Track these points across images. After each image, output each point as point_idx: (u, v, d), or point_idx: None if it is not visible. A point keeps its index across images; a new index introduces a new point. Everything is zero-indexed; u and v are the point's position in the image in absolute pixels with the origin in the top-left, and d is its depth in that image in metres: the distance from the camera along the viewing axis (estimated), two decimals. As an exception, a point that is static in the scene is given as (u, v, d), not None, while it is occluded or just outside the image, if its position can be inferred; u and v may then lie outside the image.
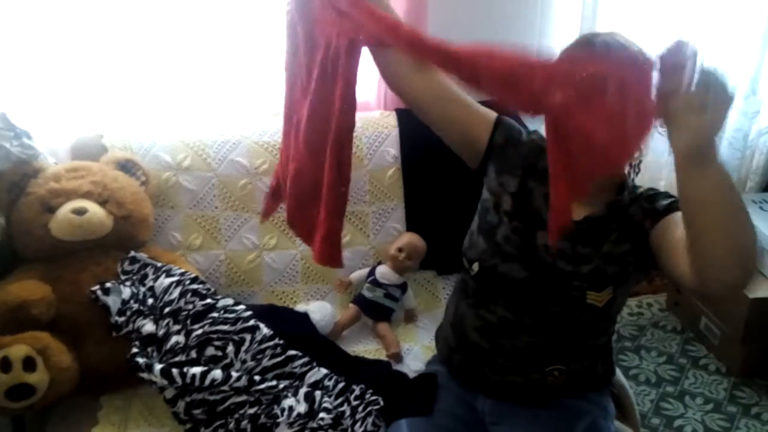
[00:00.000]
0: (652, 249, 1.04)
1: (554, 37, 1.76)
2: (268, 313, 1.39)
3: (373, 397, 1.22)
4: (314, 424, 1.17)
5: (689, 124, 0.79)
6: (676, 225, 0.97)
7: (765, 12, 1.87)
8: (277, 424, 1.18)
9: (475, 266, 1.14)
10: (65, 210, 1.26)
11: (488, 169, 1.17)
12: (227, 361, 1.24)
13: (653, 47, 0.84)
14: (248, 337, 1.27)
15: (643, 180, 1.15)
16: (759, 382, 1.93)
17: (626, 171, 1.12)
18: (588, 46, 1.01)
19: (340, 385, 1.26)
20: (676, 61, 0.79)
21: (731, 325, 1.94)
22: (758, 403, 1.86)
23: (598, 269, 1.07)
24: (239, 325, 1.27)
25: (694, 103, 0.78)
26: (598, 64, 0.88)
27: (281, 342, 1.29)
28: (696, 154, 0.81)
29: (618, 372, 1.37)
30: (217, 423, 1.19)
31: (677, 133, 0.81)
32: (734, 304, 1.89)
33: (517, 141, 1.16)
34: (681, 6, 1.82)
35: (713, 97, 0.77)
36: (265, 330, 1.29)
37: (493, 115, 1.17)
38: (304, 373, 1.28)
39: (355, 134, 1.55)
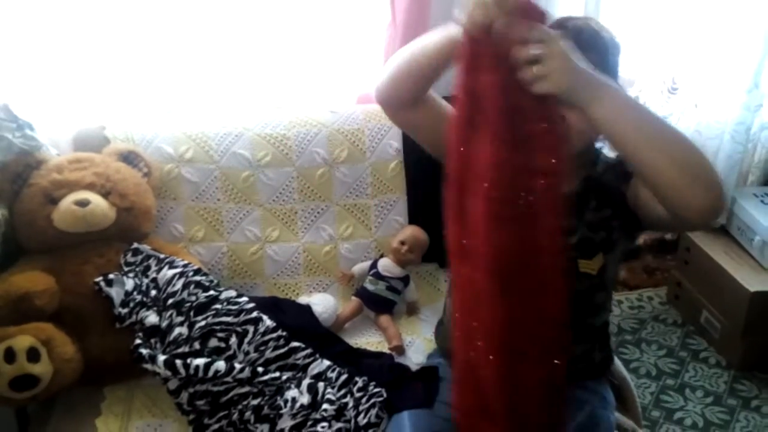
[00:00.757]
0: (632, 209, 1.07)
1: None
2: (270, 305, 1.39)
3: (376, 389, 1.23)
4: (317, 415, 1.18)
5: (544, 73, 0.79)
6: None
7: (763, 25, 1.87)
8: (281, 415, 1.18)
9: None
10: (68, 201, 1.26)
11: None
12: (230, 352, 1.24)
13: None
14: (251, 328, 1.27)
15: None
16: (759, 376, 1.94)
17: (598, 145, 1.15)
18: (561, 30, 1.02)
19: (343, 376, 1.27)
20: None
21: (731, 319, 1.94)
22: (758, 396, 1.87)
23: (585, 238, 1.11)
24: (242, 317, 1.28)
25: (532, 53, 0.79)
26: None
27: (284, 334, 1.30)
28: (572, 94, 0.82)
29: (619, 364, 1.38)
30: (221, 414, 1.20)
31: (545, 85, 0.80)
32: (735, 297, 1.90)
33: None
34: (677, 19, 1.81)
35: (540, 39, 0.79)
36: (268, 322, 1.29)
37: None
38: (307, 365, 1.29)
39: (357, 127, 1.59)
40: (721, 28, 1.86)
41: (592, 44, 1.03)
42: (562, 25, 1.04)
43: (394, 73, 1.08)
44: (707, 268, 2.02)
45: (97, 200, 1.28)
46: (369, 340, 1.46)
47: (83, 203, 1.26)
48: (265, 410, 1.20)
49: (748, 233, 1.98)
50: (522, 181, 0.86)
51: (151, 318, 1.24)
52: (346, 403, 1.21)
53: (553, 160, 0.84)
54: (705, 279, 2.05)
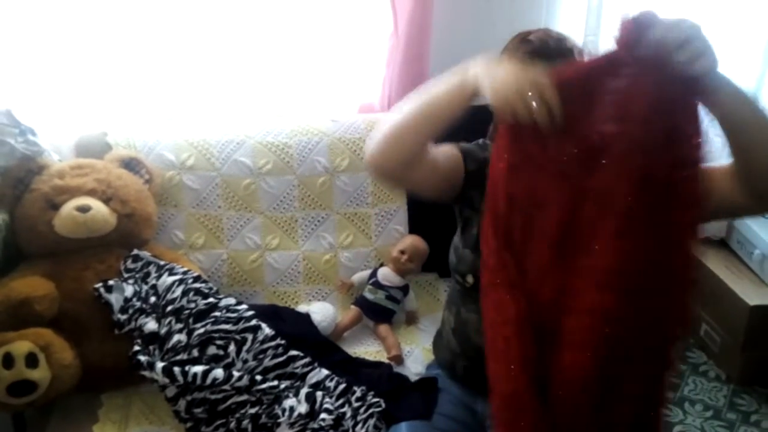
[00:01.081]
0: None
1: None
2: (270, 313, 1.39)
3: (375, 400, 1.23)
4: (315, 425, 1.17)
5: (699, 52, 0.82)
6: None
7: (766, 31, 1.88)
8: (278, 424, 1.18)
9: (470, 278, 1.15)
10: (69, 207, 1.27)
11: (470, 195, 1.15)
12: (229, 360, 1.24)
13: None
14: (250, 336, 1.27)
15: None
16: (759, 390, 1.93)
17: None
18: (526, 44, 1.03)
19: (342, 386, 1.26)
20: (638, 30, 0.83)
21: (731, 333, 1.94)
22: (758, 410, 1.86)
23: None
24: (241, 325, 1.27)
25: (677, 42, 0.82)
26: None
27: (283, 342, 1.29)
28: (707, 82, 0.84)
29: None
30: (218, 422, 1.19)
31: (702, 63, 0.83)
32: (734, 311, 1.89)
33: (483, 158, 1.14)
34: (682, 12, 1.82)
35: (680, 34, 0.82)
36: (266, 330, 1.29)
37: (453, 148, 1.15)
38: (306, 374, 1.28)
39: (358, 136, 1.59)
40: (721, 44, 1.86)
41: (562, 51, 1.04)
42: (525, 39, 1.05)
43: (396, 137, 0.99)
44: (707, 281, 2.02)
45: (98, 206, 1.29)
46: (368, 350, 1.46)
47: (84, 209, 1.27)
48: (263, 419, 1.19)
49: (748, 247, 1.98)
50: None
51: (150, 325, 1.24)
52: (344, 413, 1.21)
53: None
54: (704, 292, 2.04)
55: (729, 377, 1.97)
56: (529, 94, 0.84)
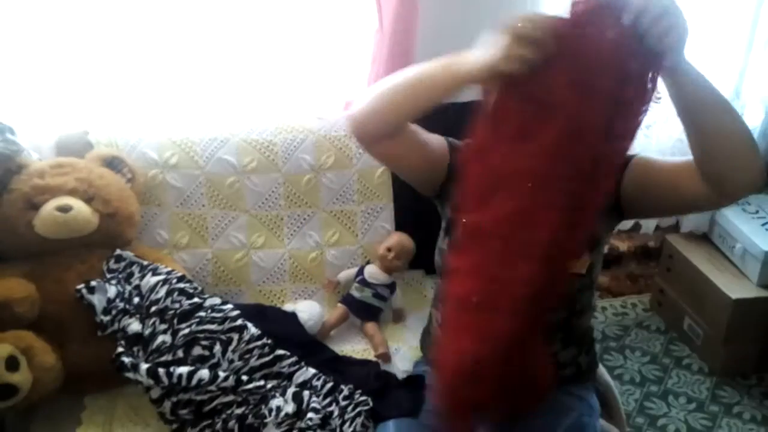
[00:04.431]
0: (628, 200, 1.08)
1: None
2: (255, 312, 1.38)
3: (362, 398, 1.22)
4: (302, 425, 1.17)
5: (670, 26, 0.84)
6: (648, 165, 1.05)
7: (749, 16, 1.90)
8: (265, 425, 1.17)
9: None
10: (49, 207, 1.24)
11: (451, 190, 1.14)
12: (214, 360, 1.23)
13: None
14: (236, 336, 1.26)
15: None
16: (740, 382, 1.96)
17: None
18: None
19: (329, 385, 1.26)
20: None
21: (713, 326, 1.97)
22: (740, 402, 1.89)
23: None
24: (226, 325, 1.26)
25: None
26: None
27: (269, 342, 1.29)
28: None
29: (603, 371, 1.39)
30: (204, 423, 1.18)
31: (670, 38, 0.84)
32: (717, 305, 1.92)
33: None
34: None
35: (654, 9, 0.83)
36: (252, 329, 1.28)
37: (441, 138, 1.18)
38: (292, 373, 1.28)
39: (344, 133, 1.58)
40: (703, 39, 1.88)
41: None
42: None
43: (381, 104, 1.03)
44: (690, 276, 2.04)
45: (79, 206, 1.26)
46: (355, 348, 1.46)
47: (65, 209, 1.24)
48: (250, 419, 1.18)
49: (730, 241, 2.01)
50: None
51: (134, 326, 1.23)
52: (332, 412, 1.21)
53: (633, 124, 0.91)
54: (687, 286, 2.07)
55: (712, 370, 2.00)
56: (508, 42, 0.87)
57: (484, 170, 0.97)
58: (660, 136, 1.99)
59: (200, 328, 1.24)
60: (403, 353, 1.44)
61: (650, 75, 0.89)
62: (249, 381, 1.21)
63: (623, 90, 0.89)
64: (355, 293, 1.51)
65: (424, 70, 1.00)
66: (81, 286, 1.24)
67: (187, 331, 1.23)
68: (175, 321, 1.24)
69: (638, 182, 1.07)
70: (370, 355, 1.43)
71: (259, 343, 1.28)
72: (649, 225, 2.20)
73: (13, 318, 1.16)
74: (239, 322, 1.28)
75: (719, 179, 0.94)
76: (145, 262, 1.33)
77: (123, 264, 1.32)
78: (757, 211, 2.02)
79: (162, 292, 1.27)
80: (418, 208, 1.61)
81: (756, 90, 2.01)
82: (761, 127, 2.06)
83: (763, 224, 1.96)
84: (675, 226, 2.21)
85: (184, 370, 1.17)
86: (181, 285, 1.29)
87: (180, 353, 1.21)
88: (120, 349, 1.20)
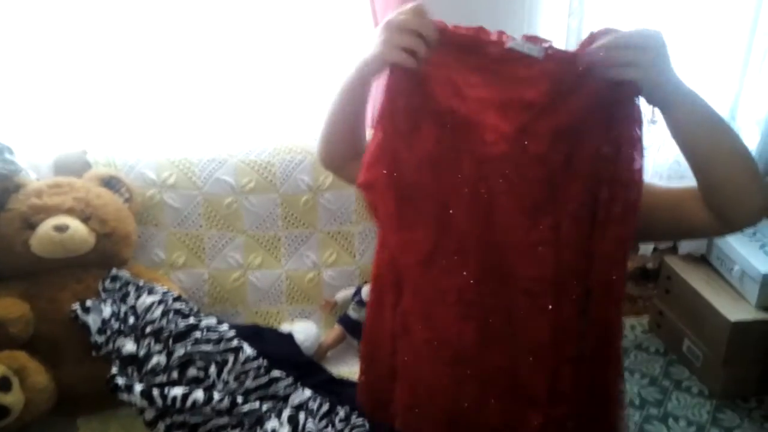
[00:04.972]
0: None
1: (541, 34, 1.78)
2: (251, 333, 1.37)
3: (359, 420, 1.21)
4: (298, 448, 1.15)
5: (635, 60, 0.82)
6: (651, 192, 0.99)
7: (744, 38, 1.92)
8: (260, 447, 1.16)
9: None
10: (46, 227, 1.24)
11: None
12: (209, 382, 1.21)
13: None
14: (231, 357, 1.25)
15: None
16: (741, 405, 1.94)
17: None
18: None
19: (325, 407, 1.25)
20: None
21: (713, 348, 1.95)
22: (740, 425, 1.87)
23: None
24: (222, 346, 1.25)
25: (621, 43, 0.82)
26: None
27: (265, 363, 1.27)
28: (657, 93, 0.85)
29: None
30: (198, 446, 1.17)
31: (632, 71, 0.83)
32: (716, 327, 1.91)
33: None
34: (662, 27, 1.85)
35: (629, 39, 0.83)
36: (248, 350, 1.27)
37: None
38: (288, 395, 1.27)
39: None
40: (699, 63, 1.91)
41: None
42: None
43: (325, 135, 1.05)
44: (688, 297, 2.04)
45: (76, 225, 1.26)
46: (352, 369, 1.44)
47: (62, 228, 1.24)
48: (244, 442, 1.17)
49: (728, 263, 2.00)
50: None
51: (129, 346, 1.22)
52: (328, 435, 1.19)
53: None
54: (686, 308, 2.06)
55: (712, 392, 1.98)
56: (396, 35, 0.87)
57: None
58: (656, 159, 2.00)
59: (196, 348, 1.23)
60: (400, 375, 1.43)
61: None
62: (244, 403, 1.20)
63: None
64: (353, 314, 1.50)
65: (343, 77, 1.00)
66: (76, 305, 1.24)
67: (182, 351, 1.22)
68: (171, 341, 1.23)
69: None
70: (366, 376, 1.42)
71: (254, 364, 1.27)
72: (647, 246, 2.20)
73: (7, 338, 1.15)
74: (235, 342, 1.27)
75: (723, 210, 0.93)
76: (141, 282, 1.32)
77: (119, 284, 1.31)
78: (755, 233, 2.02)
79: (158, 312, 1.26)
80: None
81: (751, 112, 2.02)
82: (757, 150, 2.07)
83: (761, 246, 1.96)
84: (673, 247, 2.21)
85: (178, 391, 1.16)
86: (177, 305, 1.28)
87: (175, 374, 1.20)
88: (114, 370, 1.19)
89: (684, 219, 0.98)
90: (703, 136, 0.88)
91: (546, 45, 0.87)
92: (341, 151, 1.06)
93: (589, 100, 0.86)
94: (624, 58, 0.82)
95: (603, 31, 0.85)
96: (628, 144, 0.88)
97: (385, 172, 0.92)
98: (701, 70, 1.92)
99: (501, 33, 0.90)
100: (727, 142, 0.90)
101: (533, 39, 0.88)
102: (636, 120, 0.88)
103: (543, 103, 0.87)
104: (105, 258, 1.32)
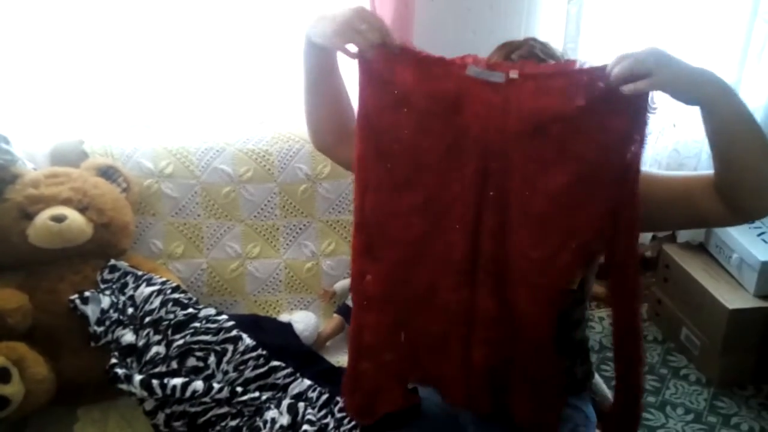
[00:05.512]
0: None
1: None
2: (250, 323, 1.37)
3: (358, 409, 1.21)
4: (297, 437, 1.15)
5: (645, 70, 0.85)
6: (657, 182, 1.01)
7: (742, 29, 1.91)
8: (260, 437, 1.16)
9: None
10: (44, 217, 1.24)
11: None
12: (209, 372, 1.22)
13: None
14: (230, 347, 1.25)
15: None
16: (738, 393, 1.95)
17: None
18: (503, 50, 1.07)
19: (324, 396, 1.25)
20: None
21: (711, 336, 1.96)
22: (737, 413, 1.88)
23: None
24: (221, 336, 1.25)
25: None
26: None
27: (264, 353, 1.28)
28: (686, 93, 0.89)
29: (600, 381, 1.38)
30: (198, 435, 1.17)
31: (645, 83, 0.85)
32: (714, 315, 1.92)
33: None
34: (658, 33, 1.85)
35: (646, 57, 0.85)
36: (247, 340, 1.27)
37: None
38: (288, 385, 1.27)
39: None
40: (697, 51, 1.90)
41: (549, 54, 1.06)
42: (507, 47, 1.06)
43: (306, 113, 1.10)
44: (686, 286, 2.04)
45: (73, 216, 1.26)
46: (351, 359, 1.45)
47: (59, 219, 1.24)
48: (244, 431, 1.17)
49: (726, 251, 2.01)
50: None
51: (128, 337, 1.22)
52: (327, 424, 1.19)
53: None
54: (684, 296, 2.07)
55: (709, 380, 1.99)
56: (357, 22, 0.92)
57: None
58: (656, 147, 1.99)
59: (195, 339, 1.23)
60: (400, 364, 1.43)
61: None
62: (244, 392, 1.20)
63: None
64: (351, 303, 1.50)
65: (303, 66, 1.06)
66: (74, 296, 1.23)
67: (181, 342, 1.22)
68: (170, 332, 1.23)
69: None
70: (366, 366, 1.42)
71: (254, 354, 1.27)
72: (645, 235, 2.20)
73: (6, 329, 1.15)
74: (234, 332, 1.27)
75: (739, 203, 0.93)
76: (140, 273, 1.32)
77: (117, 274, 1.31)
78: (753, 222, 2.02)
79: (156, 302, 1.26)
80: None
81: (750, 101, 2.02)
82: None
83: (760, 234, 1.96)
84: (671, 236, 2.21)
85: (178, 381, 1.16)
86: (176, 295, 1.28)
87: (174, 364, 1.20)
88: (113, 361, 1.19)
89: (695, 210, 0.98)
90: (740, 130, 0.89)
91: (509, 72, 0.90)
92: (326, 128, 1.10)
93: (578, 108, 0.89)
94: (629, 71, 0.84)
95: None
96: (627, 137, 0.89)
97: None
98: (700, 59, 1.91)
99: (465, 57, 0.93)
100: (759, 137, 0.90)
101: (497, 65, 0.92)
102: (637, 110, 0.88)
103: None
104: (103, 248, 1.32)
